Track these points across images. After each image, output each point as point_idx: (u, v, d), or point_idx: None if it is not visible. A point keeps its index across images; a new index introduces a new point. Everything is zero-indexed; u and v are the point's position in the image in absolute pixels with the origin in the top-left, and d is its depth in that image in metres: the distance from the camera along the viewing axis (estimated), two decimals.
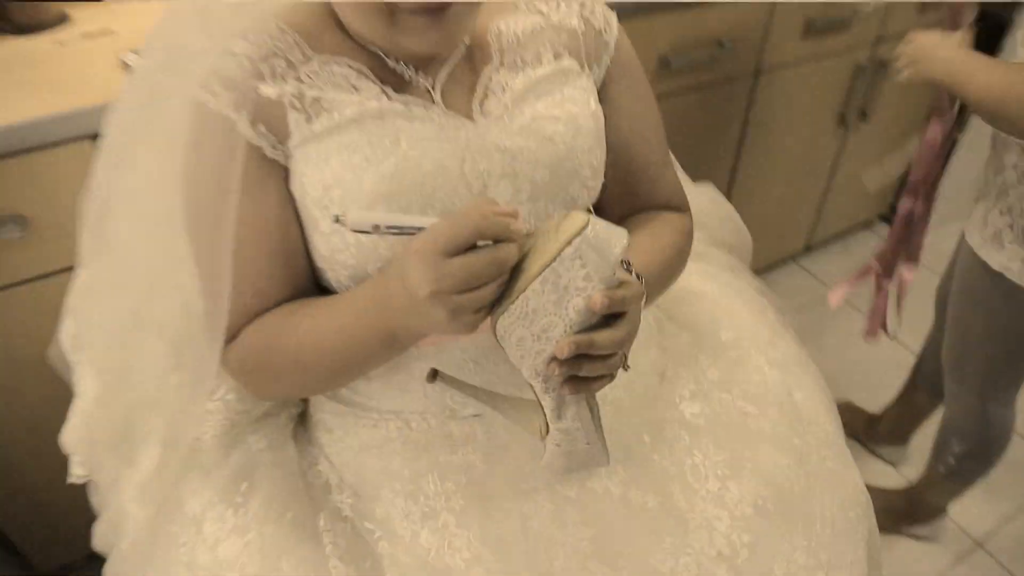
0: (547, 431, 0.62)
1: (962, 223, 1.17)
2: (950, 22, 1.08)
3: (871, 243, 2.29)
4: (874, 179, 1.28)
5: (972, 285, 1.14)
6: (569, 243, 0.52)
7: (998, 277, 1.07)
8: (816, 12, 1.58)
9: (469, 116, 0.67)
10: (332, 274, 0.67)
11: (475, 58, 0.69)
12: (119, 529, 0.76)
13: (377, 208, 0.61)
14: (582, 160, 0.68)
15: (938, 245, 1.50)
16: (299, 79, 0.62)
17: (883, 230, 2.30)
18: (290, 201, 0.65)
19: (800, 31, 1.59)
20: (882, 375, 1.76)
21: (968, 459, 1.33)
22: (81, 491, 0.83)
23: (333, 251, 0.64)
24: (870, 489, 1.51)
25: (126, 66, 1.07)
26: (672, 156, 1.06)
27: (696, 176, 1.16)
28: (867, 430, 1.70)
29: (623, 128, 0.75)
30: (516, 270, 0.55)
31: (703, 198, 1.10)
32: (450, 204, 0.63)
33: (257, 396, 0.74)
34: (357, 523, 0.71)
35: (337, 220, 0.52)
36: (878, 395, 1.69)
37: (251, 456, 0.74)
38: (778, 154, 1.82)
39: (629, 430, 0.74)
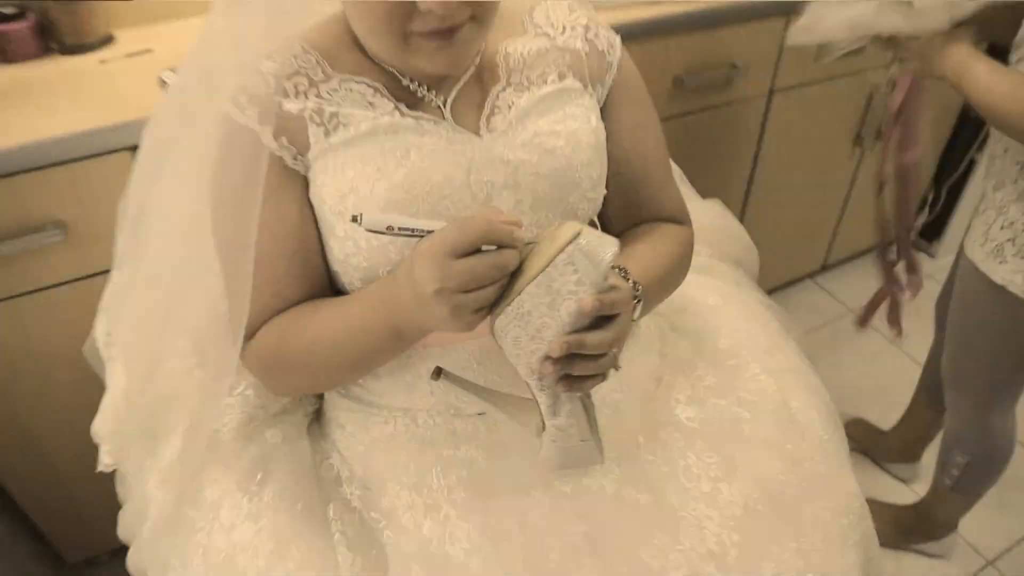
0: (544, 428, 0.66)
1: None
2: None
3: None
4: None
5: (973, 298, 1.16)
6: (562, 250, 0.56)
7: (1000, 290, 1.08)
8: None
9: (476, 131, 0.71)
10: (346, 277, 0.71)
11: (484, 77, 0.73)
12: (142, 516, 0.81)
13: (391, 214, 0.65)
14: (581, 173, 0.72)
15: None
16: (319, 96, 0.68)
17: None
18: (309, 208, 0.70)
19: (813, 51, 1.62)
20: (898, 392, 1.76)
21: (971, 470, 1.33)
22: (107, 486, 0.88)
23: (347, 255, 0.69)
24: (880, 505, 1.54)
25: (163, 83, 1.14)
26: (680, 172, 1.10)
27: (711, 194, 1.20)
28: (879, 447, 1.71)
29: (625, 144, 0.79)
30: (515, 274, 0.59)
31: (710, 213, 1.13)
32: (456, 212, 0.67)
33: (274, 392, 0.79)
34: (365, 514, 0.75)
35: (354, 219, 0.57)
36: (893, 412, 1.69)
37: (267, 449, 0.79)
38: (794, 173, 1.84)
39: (625, 431, 0.77)
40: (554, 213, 0.72)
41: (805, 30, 1.08)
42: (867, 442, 1.72)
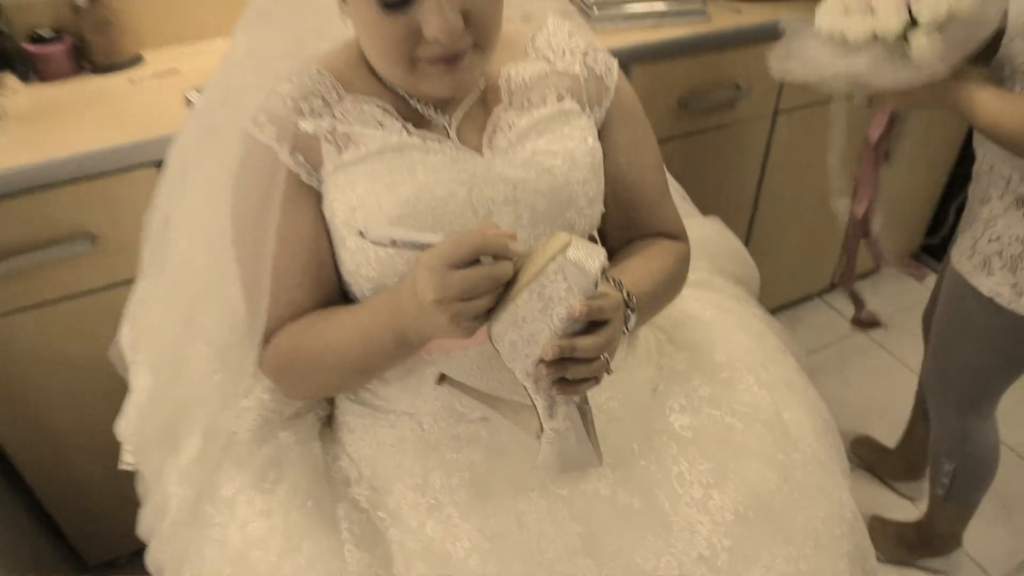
0: (541, 431, 0.69)
1: None
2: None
3: (899, 280, 2.30)
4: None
5: (959, 309, 1.18)
6: (552, 259, 0.60)
7: (986, 301, 1.11)
8: None
9: (479, 150, 0.75)
10: (356, 287, 0.76)
11: (488, 99, 0.78)
12: (162, 513, 0.85)
13: (395, 228, 0.70)
14: (578, 191, 0.76)
15: None
16: (333, 116, 0.72)
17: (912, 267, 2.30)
18: (322, 222, 0.74)
19: None
20: (904, 411, 1.76)
21: (959, 478, 1.35)
22: (128, 490, 0.92)
23: (358, 265, 0.73)
24: (884, 522, 1.54)
25: (189, 102, 1.20)
26: (680, 190, 1.13)
27: (717, 213, 1.22)
28: (885, 465, 1.71)
29: (622, 163, 0.83)
30: (510, 284, 0.63)
31: (709, 230, 1.16)
32: (458, 226, 0.71)
33: (288, 395, 0.83)
34: (372, 514, 0.79)
35: (361, 234, 0.61)
36: (900, 430, 1.70)
37: (281, 449, 0.83)
38: (800, 192, 1.87)
39: (620, 438, 0.80)
40: (552, 228, 0.76)
41: (787, 72, 1.07)
42: (873, 460, 1.73)
